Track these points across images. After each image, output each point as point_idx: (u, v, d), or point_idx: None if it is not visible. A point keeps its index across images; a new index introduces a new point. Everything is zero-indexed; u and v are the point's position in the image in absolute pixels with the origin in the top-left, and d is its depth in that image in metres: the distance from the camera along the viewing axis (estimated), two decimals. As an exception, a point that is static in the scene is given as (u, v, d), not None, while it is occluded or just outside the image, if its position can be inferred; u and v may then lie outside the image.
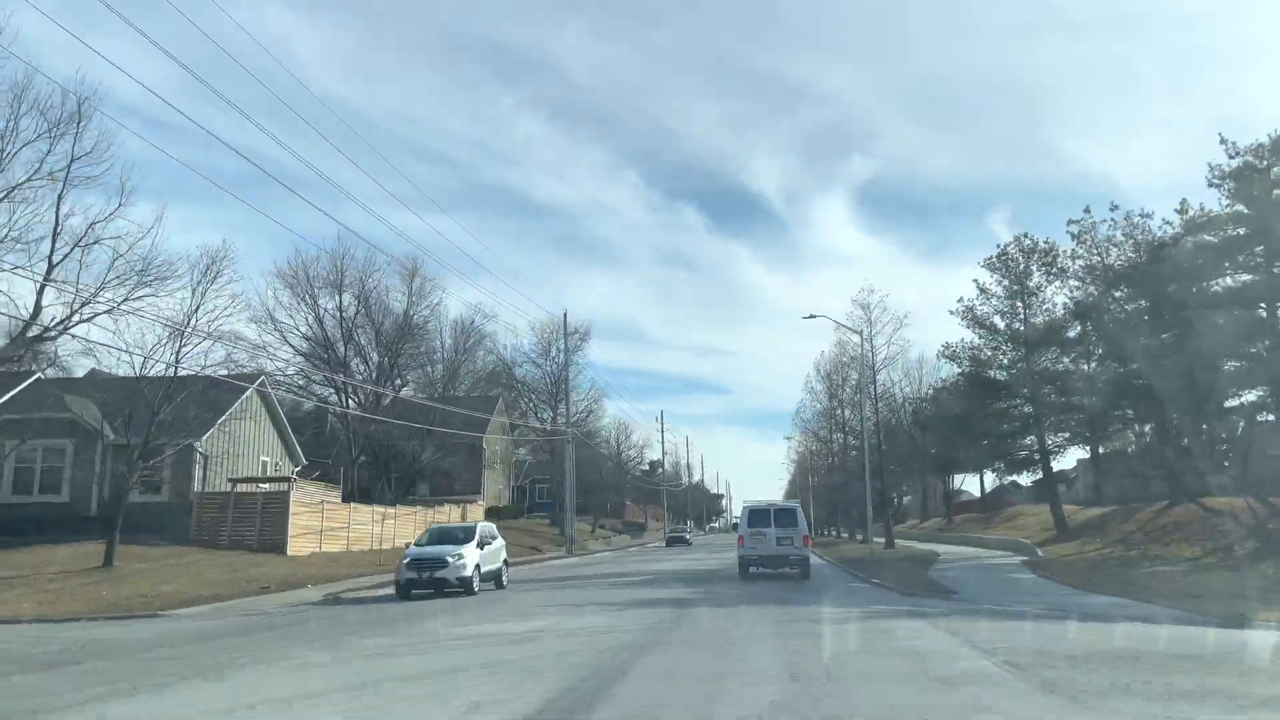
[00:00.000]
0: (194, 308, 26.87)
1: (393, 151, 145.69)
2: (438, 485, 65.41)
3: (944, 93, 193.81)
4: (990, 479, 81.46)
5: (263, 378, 37.16)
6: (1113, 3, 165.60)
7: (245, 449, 36.71)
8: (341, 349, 53.04)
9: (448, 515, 47.42)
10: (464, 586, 22.15)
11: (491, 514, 69.42)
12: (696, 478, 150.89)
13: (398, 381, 55.63)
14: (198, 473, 33.08)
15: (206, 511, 32.63)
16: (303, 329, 51.59)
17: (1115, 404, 36.87)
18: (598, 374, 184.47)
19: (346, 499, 43.22)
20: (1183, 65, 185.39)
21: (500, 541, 25.86)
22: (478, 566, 22.81)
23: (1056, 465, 48.61)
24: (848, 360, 55.59)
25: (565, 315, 56.37)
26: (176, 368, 27.23)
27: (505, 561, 25.88)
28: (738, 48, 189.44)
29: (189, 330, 26.82)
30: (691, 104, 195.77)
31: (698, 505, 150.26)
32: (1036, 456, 41.27)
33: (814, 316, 37.57)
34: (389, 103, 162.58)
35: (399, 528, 41.43)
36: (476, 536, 23.67)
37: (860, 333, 40.33)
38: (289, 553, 31.94)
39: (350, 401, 54.52)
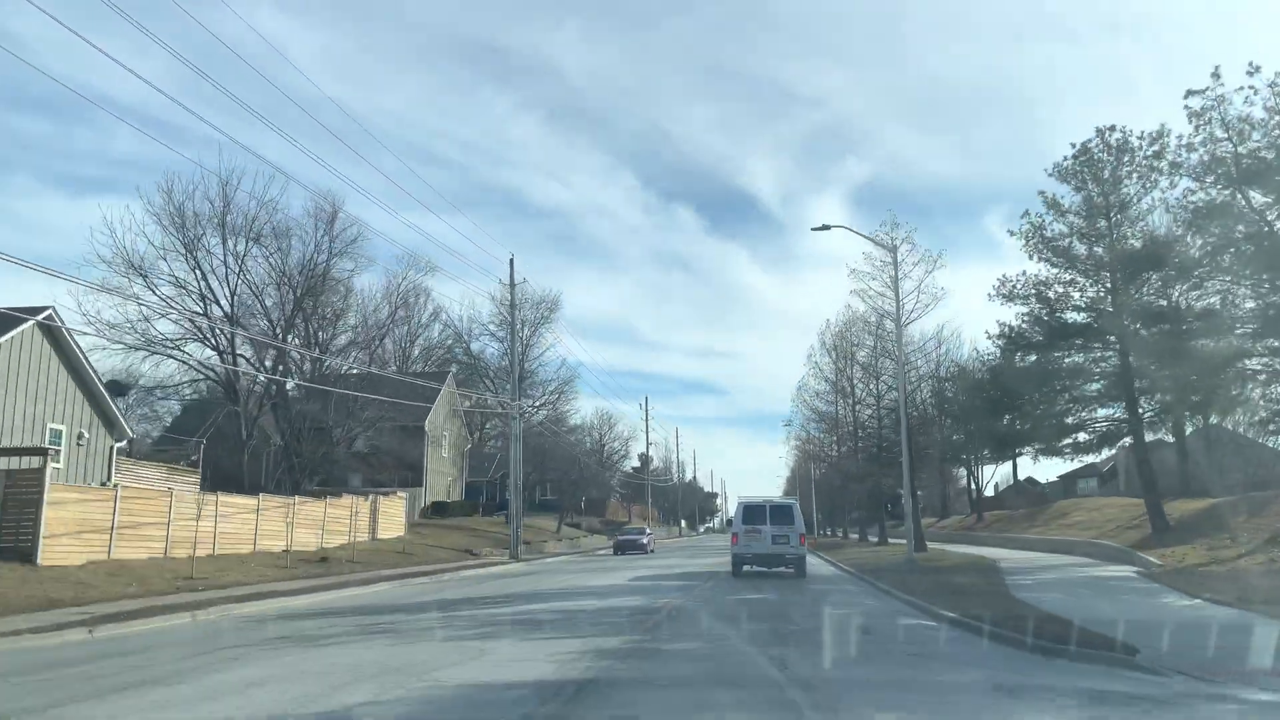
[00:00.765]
0: None
1: (389, 153, 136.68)
2: (372, 476, 54.72)
3: (940, 95, 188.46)
4: (1022, 468, 71.70)
5: (49, 311, 26.20)
6: (1108, 5, 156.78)
7: (21, 414, 25.82)
8: (228, 301, 42.13)
9: (349, 508, 36.57)
10: None
11: (435, 510, 58.71)
12: (689, 475, 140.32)
13: (296, 339, 44.74)
14: (-86, 441, 22.25)
15: (-69, 499, 21.79)
16: (176, 271, 40.55)
17: (1249, 351, 26.30)
18: (575, 358, 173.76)
19: (214, 487, 32.73)
20: (1179, 68, 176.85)
21: None
22: None
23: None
24: (863, 313, 44.73)
25: (512, 261, 45.40)
26: None
27: None
28: (733, 50, 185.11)
29: None
30: (688, 106, 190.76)
31: (689, 504, 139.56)
32: (1125, 428, 30.49)
33: (826, 227, 26.77)
34: (386, 104, 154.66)
35: (265, 524, 30.63)
36: None
37: (893, 249, 29.37)
38: (41, 560, 21.17)
39: (242, 362, 43.69)
